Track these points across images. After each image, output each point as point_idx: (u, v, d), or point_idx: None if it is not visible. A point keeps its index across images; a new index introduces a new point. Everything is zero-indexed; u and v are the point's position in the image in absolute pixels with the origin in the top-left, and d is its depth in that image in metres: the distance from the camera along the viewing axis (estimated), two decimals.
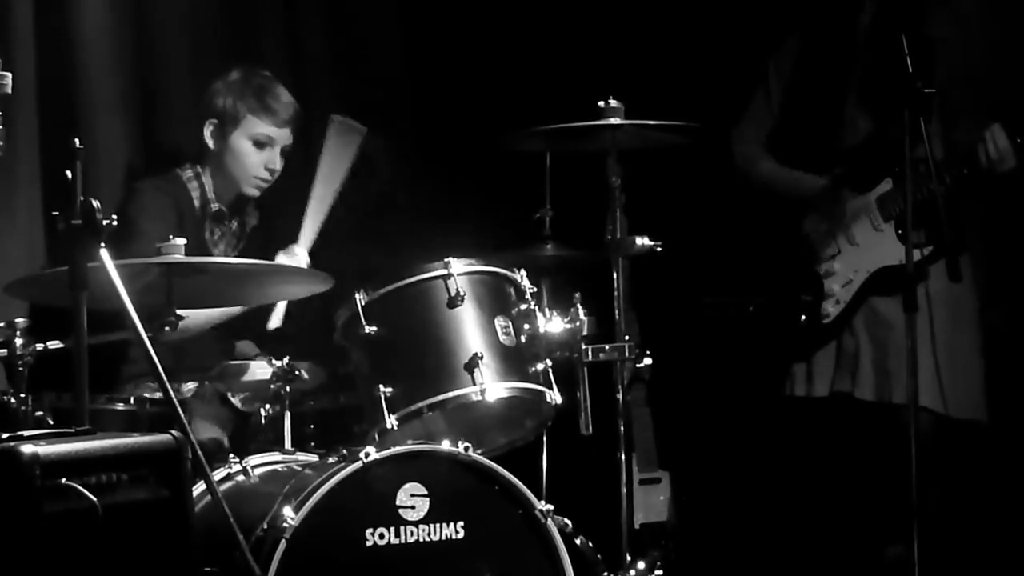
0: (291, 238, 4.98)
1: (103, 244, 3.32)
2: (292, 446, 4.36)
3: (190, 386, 4.87)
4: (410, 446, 4.07)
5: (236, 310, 4.85)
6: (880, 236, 5.16)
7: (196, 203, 5.02)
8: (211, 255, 4.94)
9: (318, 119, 5.19)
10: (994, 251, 5.40)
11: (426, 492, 3.99)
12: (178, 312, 4.06)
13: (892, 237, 5.10)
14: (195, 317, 4.55)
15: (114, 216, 3.35)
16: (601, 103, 4.49)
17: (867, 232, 5.21)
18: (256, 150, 4.99)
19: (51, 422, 4.01)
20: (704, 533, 5.60)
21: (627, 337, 4.50)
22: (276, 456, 4.31)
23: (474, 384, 4.18)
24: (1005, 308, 5.52)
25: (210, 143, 5.01)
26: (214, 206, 5.04)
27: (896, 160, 4.74)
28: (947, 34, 5.08)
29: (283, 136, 5.02)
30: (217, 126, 5.00)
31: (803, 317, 5.26)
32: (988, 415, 5.25)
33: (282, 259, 4.87)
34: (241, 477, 4.17)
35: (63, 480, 2.92)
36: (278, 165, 5.03)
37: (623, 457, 4.50)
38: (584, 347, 4.36)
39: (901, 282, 4.66)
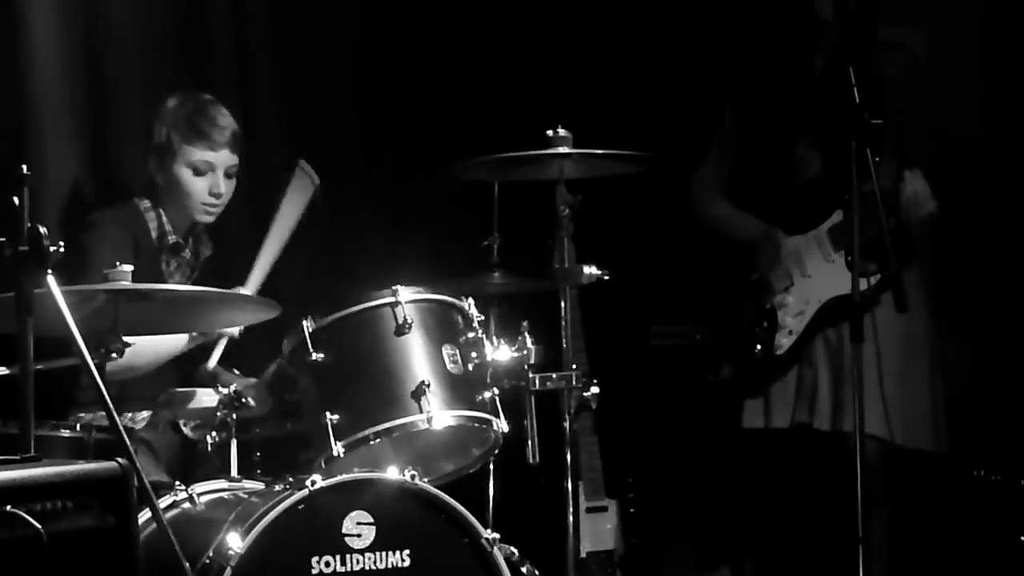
0: (244, 272, 4.95)
1: (50, 271, 3.31)
2: (238, 474, 4.34)
3: (143, 415, 4.85)
4: (356, 474, 4.07)
5: (179, 346, 4.81)
6: (831, 267, 5.18)
7: (153, 234, 4.96)
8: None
9: (281, 161, 5.14)
10: (946, 280, 5.43)
11: (372, 520, 3.98)
12: (125, 339, 4.05)
13: (843, 267, 5.10)
14: (140, 355, 4.53)
15: (61, 243, 3.33)
16: (549, 132, 4.50)
17: (819, 264, 5.23)
18: (197, 177, 4.92)
19: None
20: (651, 562, 5.61)
21: (574, 366, 4.51)
22: (222, 484, 4.28)
23: (421, 412, 4.18)
24: (959, 336, 5.56)
25: (156, 176, 4.96)
26: (171, 238, 4.97)
27: (846, 192, 4.76)
28: (895, 74, 5.13)
29: (223, 159, 4.93)
30: (157, 159, 4.94)
31: (758, 348, 5.27)
32: (946, 444, 5.27)
33: None
34: (187, 505, 4.14)
35: (8, 507, 2.90)
36: (223, 188, 4.94)
37: (570, 486, 4.50)
38: (531, 375, 4.36)
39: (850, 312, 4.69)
